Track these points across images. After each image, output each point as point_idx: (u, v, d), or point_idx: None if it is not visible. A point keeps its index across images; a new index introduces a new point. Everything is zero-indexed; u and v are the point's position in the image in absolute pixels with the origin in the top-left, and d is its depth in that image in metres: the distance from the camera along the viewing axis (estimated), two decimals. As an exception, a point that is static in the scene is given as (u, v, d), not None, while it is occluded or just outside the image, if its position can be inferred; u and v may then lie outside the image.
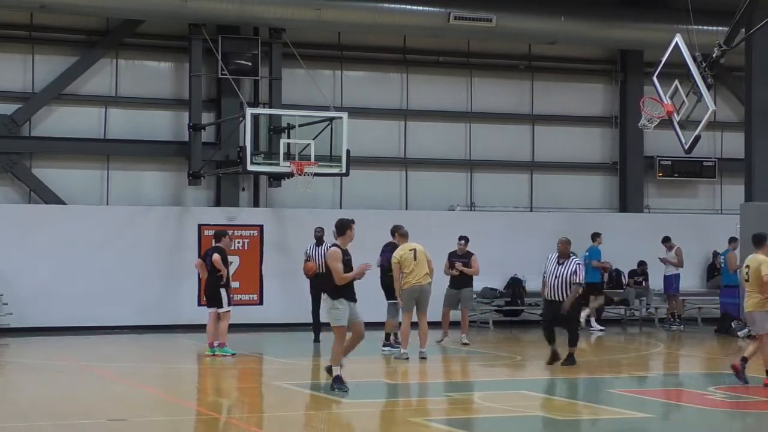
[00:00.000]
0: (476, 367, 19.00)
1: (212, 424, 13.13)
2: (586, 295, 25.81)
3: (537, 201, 28.11)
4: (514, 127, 28.16)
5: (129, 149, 25.21)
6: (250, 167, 22.78)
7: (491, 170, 27.89)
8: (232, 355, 19.00)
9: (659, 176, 28.67)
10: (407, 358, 18.41)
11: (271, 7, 24.27)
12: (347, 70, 26.87)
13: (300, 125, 23.42)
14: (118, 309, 23.93)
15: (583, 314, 24.68)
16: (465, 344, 20.89)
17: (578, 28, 26.37)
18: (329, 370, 14.83)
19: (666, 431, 13.05)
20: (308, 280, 21.79)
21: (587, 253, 24.96)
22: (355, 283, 14.61)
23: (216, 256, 19.09)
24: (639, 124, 20.40)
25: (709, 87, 19.67)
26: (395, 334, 19.41)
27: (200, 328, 20.79)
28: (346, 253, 14.66)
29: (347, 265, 14.55)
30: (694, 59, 19.66)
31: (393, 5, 24.92)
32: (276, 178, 24.89)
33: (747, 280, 15.62)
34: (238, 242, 24.55)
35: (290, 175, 22.82)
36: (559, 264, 17.63)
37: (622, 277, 26.73)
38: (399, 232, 19.25)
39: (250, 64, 25.03)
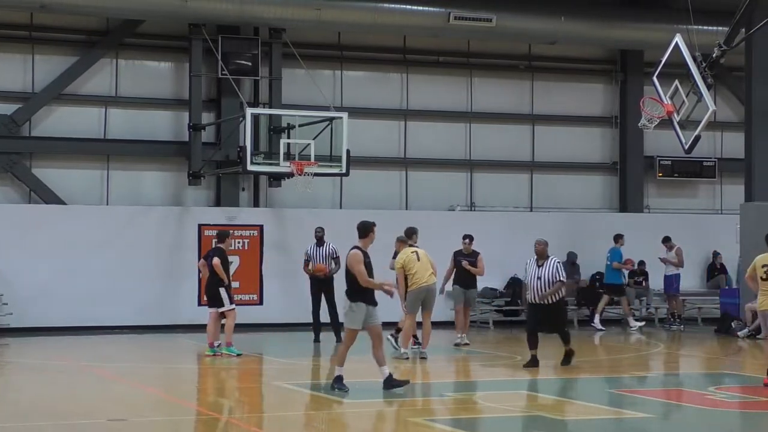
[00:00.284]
0: (476, 367, 19.00)
1: (212, 424, 13.13)
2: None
3: (537, 201, 28.11)
4: (514, 127, 28.16)
5: (129, 149, 25.21)
6: (250, 167, 22.78)
7: (491, 170, 27.90)
8: (238, 355, 18.99)
9: (659, 176, 28.67)
10: (407, 358, 18.42)
11: (271, 7, 24.27)
12: (347, 70, 26.87)
13: (300, 125, 23.42)
14: (118, 309, 23.93)
15: (597, 319, 25.01)
16: (465, 344, 20.90)
17: (578, 28, 26.37)
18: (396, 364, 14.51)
19: (666, 431, 13.04)
20: (309, 280, 21.82)
21: (609, 254, 25.05)
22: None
23: (216, 261, 19.04)
24: (639, 124, 20.40)
25: (709, 87, 19.68)
26: (414, 335, 19.37)
27: (200, 328, 20.79)
28: (366, 255, 14.74)
29: (368, 267, 14.64)
30: (694, 59, 19.66)
31: (393, 5, 24.92)
32: (276, 178, 24.89)
33: (765, 279, 15.67)
34: (238, 242, 24.54)
35: (290, 175, 22.82)
36: (539, 266, 17.58)
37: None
38: (398, 238, 19.29)
39: (250, 64, 25.03)
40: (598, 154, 28.79)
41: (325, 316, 21.74)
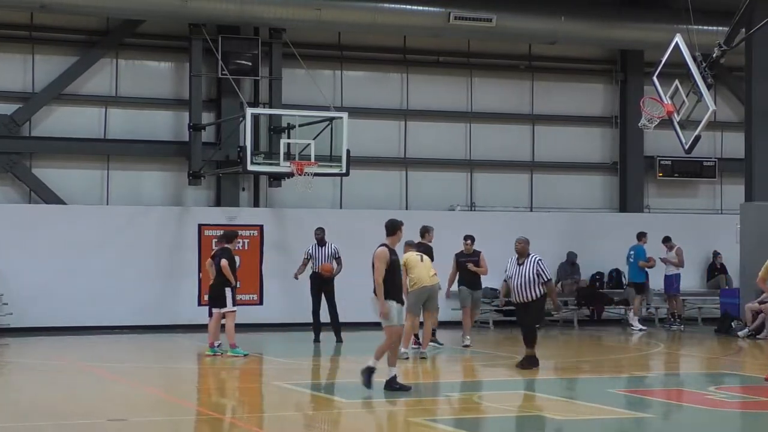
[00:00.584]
0: (476, 367, 19.00)
1: (212, 424, 13.12)
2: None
3: (537, 201, 28.11)
4: (514, 127, 28.16)
5: (129, 149, 25.21)
6: (250, 167, 22.78)
7: (491, 170, 27.89)
8: (245, 355, 18.98)
9: (659, 176, 28.67)
10: (407, 358, 18.39)
11: (271, 7, 24.27)
12: (347, 70, 26.87)
13: (300, 125, 23.43)
14: (118, 309, 23.94)
15: (633, 318, 24.90)
16: (466, 346, 20.88)
17: (578, 28, 26.37)
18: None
19: (666, 431, 13.04)
20: (309, 280, 21.81)
21: (633, 252, 25.01)
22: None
23: (224, 262, 19.02)
24: (639, 124, 20.40)
25: (709, 87, 19.67)
26: (415, 335, 19.35)
27: (200, 328, 20.79)
28: (393, 252, 14.77)
29: (394, 265, 14.65)
30: (694, 59, 19.66)
31: (393, 5, 24.92)
32: (276, 178, 24.89)
33: None
34: (239, 242, 24.49)
35: (290, 175, 22.83)
36: (520, 264, 17.46)
37: (623, 277, 26.74)
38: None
39: (250, 64, 25.04)
40: (599, 154, 28.79)
41: (325, 316, 21.74)
